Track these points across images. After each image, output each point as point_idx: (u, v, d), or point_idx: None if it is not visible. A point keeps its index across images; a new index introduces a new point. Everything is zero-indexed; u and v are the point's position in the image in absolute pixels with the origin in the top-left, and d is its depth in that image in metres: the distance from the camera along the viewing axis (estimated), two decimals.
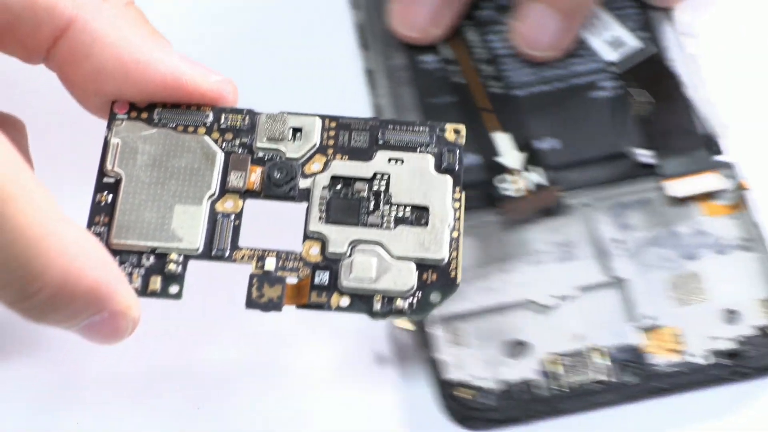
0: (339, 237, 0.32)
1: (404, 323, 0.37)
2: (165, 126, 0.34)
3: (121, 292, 0.31)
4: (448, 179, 0.33)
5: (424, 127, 0.34)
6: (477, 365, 0.37)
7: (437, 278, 0.32)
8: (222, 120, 0.34)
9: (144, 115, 0.34)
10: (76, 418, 0.37)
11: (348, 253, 0.32)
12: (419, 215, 0.33)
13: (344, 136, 0.34)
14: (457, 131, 0.34)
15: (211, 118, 0.34)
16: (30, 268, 0.29)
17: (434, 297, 0.32)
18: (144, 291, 0.32)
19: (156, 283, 0.32)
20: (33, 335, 0.39)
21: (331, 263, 0.32)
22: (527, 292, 0.38)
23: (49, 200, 0.29)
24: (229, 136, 0.34)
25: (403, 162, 0.33)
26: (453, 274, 0.32)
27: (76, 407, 0.38)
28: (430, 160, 0.33)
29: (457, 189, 0.33)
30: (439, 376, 0.36)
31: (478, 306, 0.37)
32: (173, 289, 0.32)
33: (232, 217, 0.33)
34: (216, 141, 0.34)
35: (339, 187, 0.33)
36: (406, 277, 0.32)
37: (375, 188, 0.33)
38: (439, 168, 0.33)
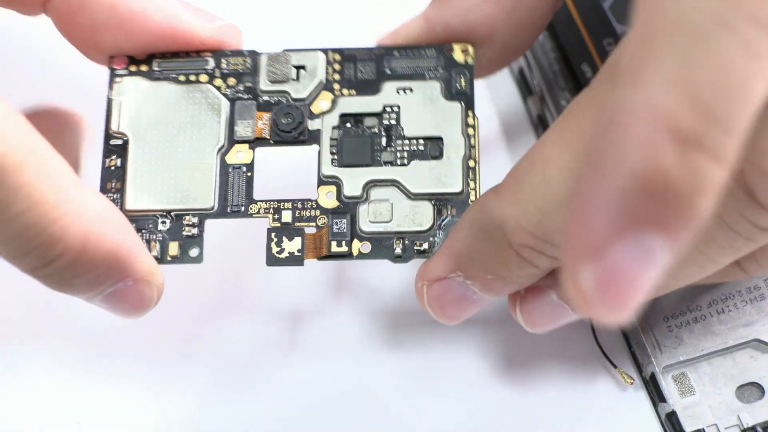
0: (354, 180, 0.31)
1: (625, 375, 0.36)
2: (167, 78, 0.33)
3: (144, 258, 0.31)
4: (458, 107, 0.31)
5: (431, 50, 0.32)
6: (714, 413, 0.35)
7: (456, 213, 0.31)
8: (223, 65, 0.33)
9: (144, 68, 0.33)
10: (76, 419, 0.37)
11: (364, 196, 0.31)
12: (433, 147, 0.31)
13: (350, 68, 0.33)
14: (465, 50, 0.32)
15: (212, 63, 0.33)
16: (48, 234, 0.28)
17: None
18: (163, 258, 0.32)
19: (175, 248, 0.32)
20: (37, 330, 0.38)
21: (348, 208, 0.31)
22: (753, 332, 0.36)
23: (63, 166, 0.29)
24: (232, 81, 0.33)
25: (412, 91, 0.32)
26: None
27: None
28: (438, 87, 0.31)
29: (470, 114, 0.31)
30: (679, 429, 0.35)
31: (702, 352, 0.36)
32: (193, 252, 0.32)
33: (244, 168, 0.32)
34: (219, 89, 0.33)
35: (349, 125, 0.32)
36: (424, 217, 0.31)
37: (386, 122, 0.32)
38: (450, 94, 0.31)
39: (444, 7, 0.34)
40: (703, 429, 0.35)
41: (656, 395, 0.36)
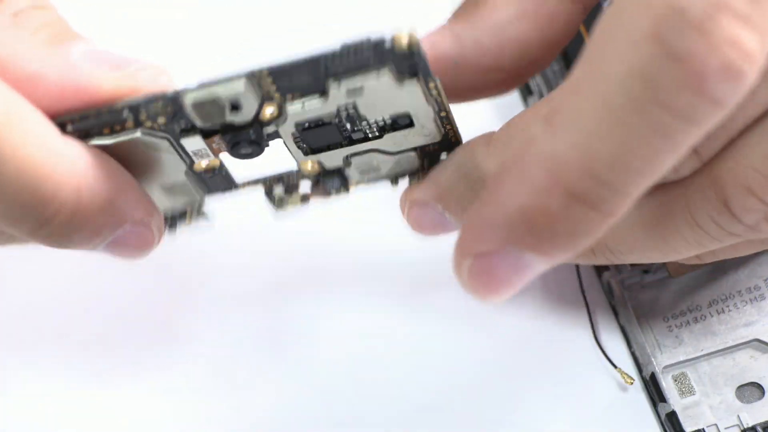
0: (331, 157, 0.31)
1: (624, 375, 0.36)
2: (90, 136, 0.29)
3: (138, 199, 0.30)
4: (415, 86, 0.29)
5: (369, 49, 0.28)
6: (714, 413, 0.35)
7: (439, 147, 0.31)
8: (143, 112, 0.29)
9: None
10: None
11: (347, 164, 0.31)
12: (402, 120, 0.30)
13: (286, 82, 0.29)
14: (407, 40, 0.28)
15: (126, 112, 0.29)
16: (41, 194, 0.28)
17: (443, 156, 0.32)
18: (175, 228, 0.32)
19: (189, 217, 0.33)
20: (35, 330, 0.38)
21: (336, 173, 0.32)
22: (753, 332, 0.36)
23: (44, 121, 0.28)
24: (162, 120, 0.29)
25: (362, 89, 0.29)
26: (454, 139, 0.31)
27: None
28: (390, 79, 0.28)
29: (429, 83, 0.29)
30: (678, 429, 0.35)
31: (702, 352, 0.36)
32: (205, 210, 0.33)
33: (216, 171, 0.31)
34: (153, 129, 0.29)
35: (306, 126, 0.30)
36: (410, 162, 0.32)
37: (345, 114, 0.30)
38: (402, 78, 0.28)
39: (474, 23, 0.32)
40: (703, 429, 0.35)
41: (656, 395, 0.36)
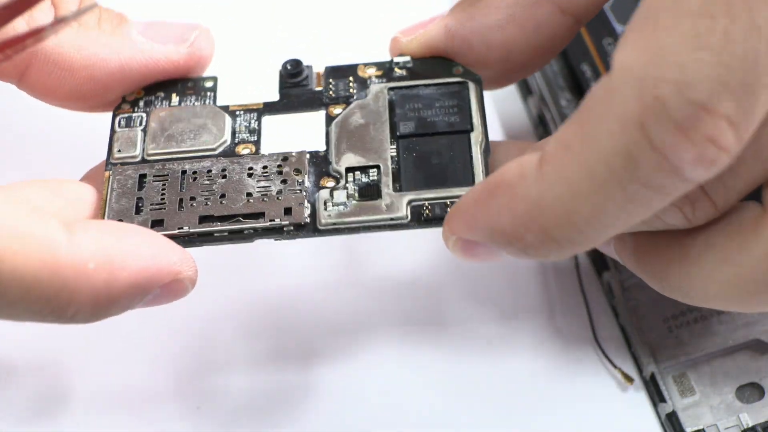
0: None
1: (624, 376, 0.36)
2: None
3: (162, 266, 0.30)
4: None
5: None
6: (714, 414, 0.35)
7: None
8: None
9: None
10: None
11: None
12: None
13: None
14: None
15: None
16: (58, 302, 0.28)
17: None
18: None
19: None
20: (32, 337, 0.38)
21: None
22: (753, 332, 0.36)
23: (47, 227, 0.29)
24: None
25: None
26: None
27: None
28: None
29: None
30: (678, 429, 0.35)
31: (702, 352, 0.36)
32: None
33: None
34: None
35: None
36: None
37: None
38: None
39: (465, 23, 0.34)
40: (703, 429, 0.35)
41: (656, 395, 0.36)
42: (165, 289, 0.31)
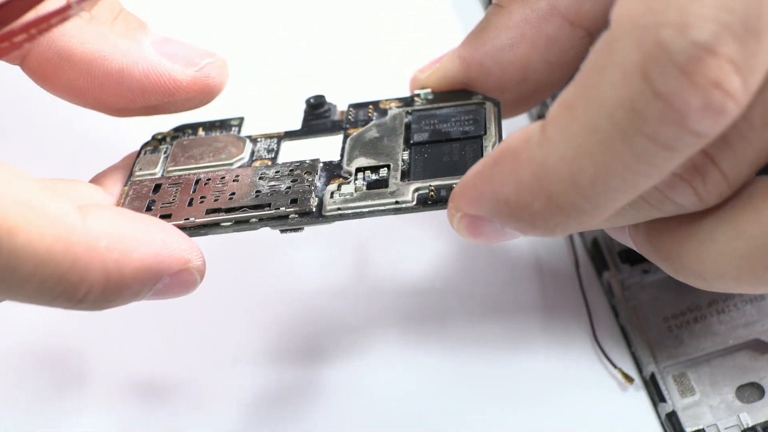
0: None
1: (625, 375, 0.36)
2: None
3: (173, 252, 0.30)
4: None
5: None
6: (714, 414, 0.35)
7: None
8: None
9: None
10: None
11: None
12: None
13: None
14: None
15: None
16: (68, 281, 0.28)
17: None
18: None
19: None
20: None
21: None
22: (753, 332, 0.36)
23: (61, 204, 0.28)
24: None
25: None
26: None
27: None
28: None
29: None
30: (678, 429, 0.35)
31: (702, 352, 0.36)
32: None
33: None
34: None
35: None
36: None
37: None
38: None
39: (477, 48, 0.34)
40: (703, 429, 0.35)
41: (656, 395, 0.36)
42: (174, 278, 0.31)
